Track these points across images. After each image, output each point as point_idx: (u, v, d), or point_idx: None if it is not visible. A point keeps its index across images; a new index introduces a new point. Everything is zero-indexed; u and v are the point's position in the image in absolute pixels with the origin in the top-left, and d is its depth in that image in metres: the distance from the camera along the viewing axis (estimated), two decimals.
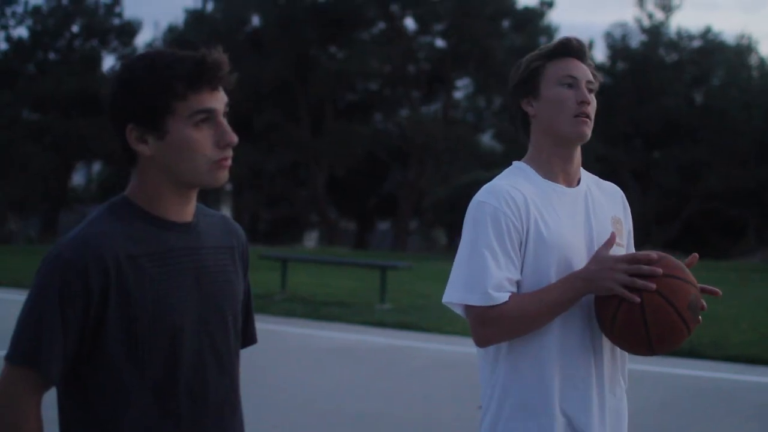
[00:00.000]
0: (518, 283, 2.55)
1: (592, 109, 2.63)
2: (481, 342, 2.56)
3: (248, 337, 2.38)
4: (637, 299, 2.39)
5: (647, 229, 31.07)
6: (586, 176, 2.75)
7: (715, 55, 34.66)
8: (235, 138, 2.05)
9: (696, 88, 35.42)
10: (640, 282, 2.39)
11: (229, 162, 2.08)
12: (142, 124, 2.02)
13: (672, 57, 35.62)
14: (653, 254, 2.43)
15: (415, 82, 35.74)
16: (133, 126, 2.02)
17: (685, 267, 2.50)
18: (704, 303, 2.50)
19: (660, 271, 2.40)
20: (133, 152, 2.06)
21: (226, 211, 35.56)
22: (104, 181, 37.40)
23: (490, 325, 2.51)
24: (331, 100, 35.09)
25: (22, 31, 33.98)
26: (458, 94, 38.30)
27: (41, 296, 1.98)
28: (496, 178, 2.67)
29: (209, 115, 2.03)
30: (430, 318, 11.98)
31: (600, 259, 2.47)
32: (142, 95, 2.00)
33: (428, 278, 16.84)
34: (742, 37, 37.43)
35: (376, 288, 14.11)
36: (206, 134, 2.04)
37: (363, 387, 8.24)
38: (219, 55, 2.02)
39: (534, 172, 2.66)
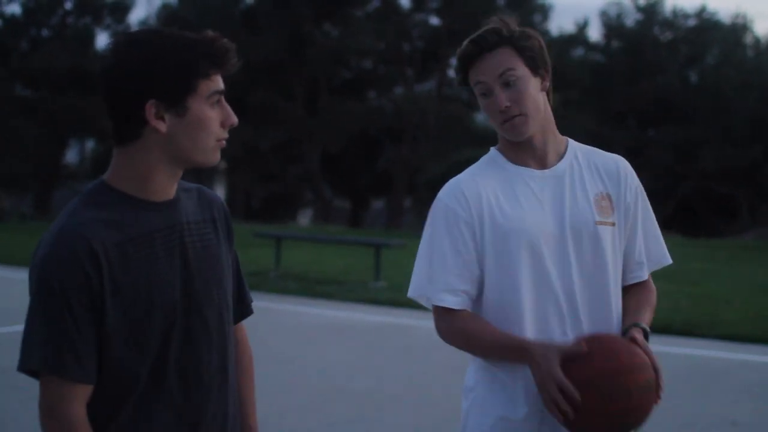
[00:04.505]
0: (481, 278, 2.56)
1: (518, 99, 2.51)
2: (441, 336, 2.62)
3: (244, 308, 2.39)
4: (561, 417, 2.38)
5: None
6: (573, 152, 2.67)
7: (710, 34, 34.62)
8: (236, 120, 2.11)
9: (690, 66, 35.39)
10: (562, 406, 2.35)
11: (224, 142, 2.13)
12: (166, 101, 2.01)
13: (667, 36, 35.58)
14: (576, 394, 2.35)
15: (410, 59, 35.60)
16: (155, 102, 2.01)
17: (635, 362, 2.51)
18: (651, 374, 2.59)
19: (578, 403, 2.34)
20: (135, 130, 2.04)
21: (220, 190, 35.55)
22: (98, 158, 37.30)
23: (443, 324, 2.58)
24: (325, 77, 34.95)
25: (15, 8, 33.84)
26: (452, 72, 38.07)
27: (44, 300, 1.96)
28: (466, 169, 2.68)
29: (221, 96, 2.08)
30: None
31: (546, 360, 2.39)
32: (171, 72, 2.01)
33: None
34: (737, 16, 37.54)
35: (371, 266, 14.12)
36: (216, 114, 2.08)
37: (356, 364, 8.26)
38: (225, 39, 2.07)
39: (503, 157, 2.63)
